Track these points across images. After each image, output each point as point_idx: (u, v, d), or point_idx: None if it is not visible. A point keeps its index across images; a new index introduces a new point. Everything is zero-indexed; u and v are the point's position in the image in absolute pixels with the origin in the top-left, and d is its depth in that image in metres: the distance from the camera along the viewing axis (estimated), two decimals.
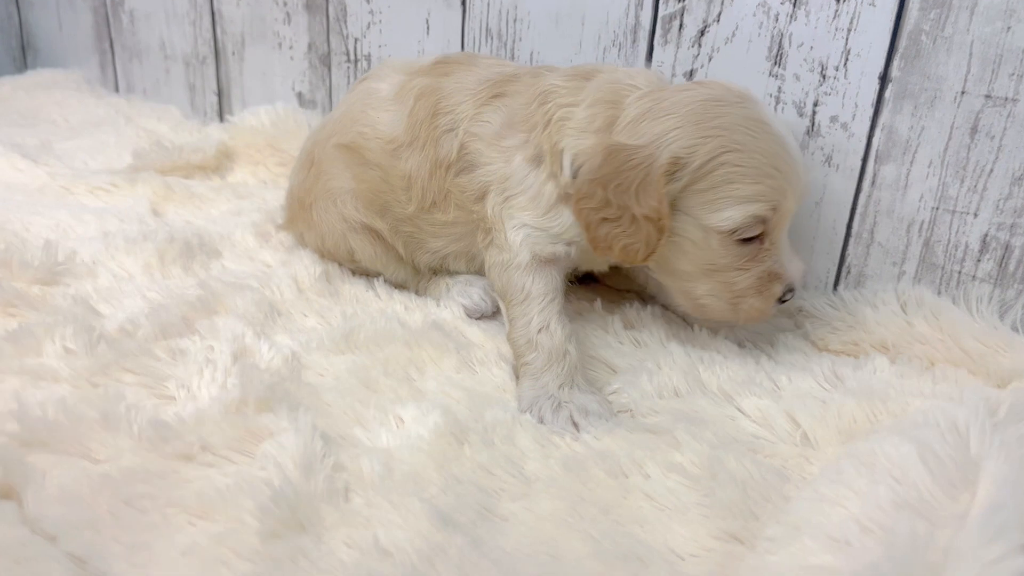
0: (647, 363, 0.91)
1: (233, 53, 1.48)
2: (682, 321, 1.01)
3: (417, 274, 1.09)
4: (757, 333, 0.99)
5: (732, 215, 0.82)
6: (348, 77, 1.38)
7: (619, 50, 1.09)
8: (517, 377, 0.91)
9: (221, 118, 1.56)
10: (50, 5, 1.72)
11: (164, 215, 1.22)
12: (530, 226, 0.91)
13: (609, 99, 0.87)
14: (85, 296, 0.94)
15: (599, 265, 1.02)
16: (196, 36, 1.53)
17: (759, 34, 0.98)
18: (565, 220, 0.90)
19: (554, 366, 0.88)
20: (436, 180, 0.97)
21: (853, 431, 0.79)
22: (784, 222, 0.85)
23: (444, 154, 0.96)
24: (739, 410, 0.84)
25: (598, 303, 1.03)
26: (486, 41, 1.22)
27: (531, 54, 1.17)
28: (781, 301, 0.88)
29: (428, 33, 1.28)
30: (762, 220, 0.83)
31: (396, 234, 1.04)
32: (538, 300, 0.91)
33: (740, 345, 0.96)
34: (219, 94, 1.54)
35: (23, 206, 1.16)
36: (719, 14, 1.00)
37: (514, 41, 1.18)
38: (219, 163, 1.38)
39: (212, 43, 1.51)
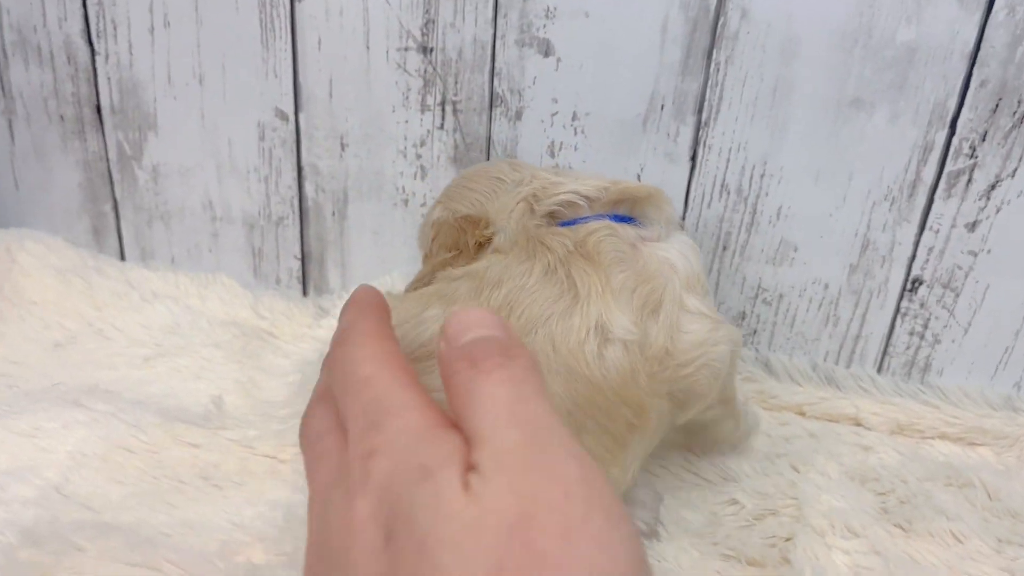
0: None
1: None
2: None
3: None
4: None
5: None
6: None
7: (891, 204, 1.02)
8: None
9: None
10: None
11: None
12: None
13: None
14: None
15: None
16: None
17: None
18: None
19: None
20: None
21: None
22: None
23: None
24: None
25: None
26: (720, 197, 1.05)
27: (778, 209, 1.04)
28: None
29: None
30: None
31: None
32: None
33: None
34: None
35: None
36: (1015, 170, 1.00)
37: (757, 197, 1.03)
38: None
39: None
